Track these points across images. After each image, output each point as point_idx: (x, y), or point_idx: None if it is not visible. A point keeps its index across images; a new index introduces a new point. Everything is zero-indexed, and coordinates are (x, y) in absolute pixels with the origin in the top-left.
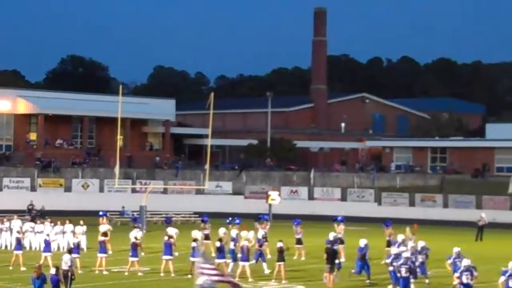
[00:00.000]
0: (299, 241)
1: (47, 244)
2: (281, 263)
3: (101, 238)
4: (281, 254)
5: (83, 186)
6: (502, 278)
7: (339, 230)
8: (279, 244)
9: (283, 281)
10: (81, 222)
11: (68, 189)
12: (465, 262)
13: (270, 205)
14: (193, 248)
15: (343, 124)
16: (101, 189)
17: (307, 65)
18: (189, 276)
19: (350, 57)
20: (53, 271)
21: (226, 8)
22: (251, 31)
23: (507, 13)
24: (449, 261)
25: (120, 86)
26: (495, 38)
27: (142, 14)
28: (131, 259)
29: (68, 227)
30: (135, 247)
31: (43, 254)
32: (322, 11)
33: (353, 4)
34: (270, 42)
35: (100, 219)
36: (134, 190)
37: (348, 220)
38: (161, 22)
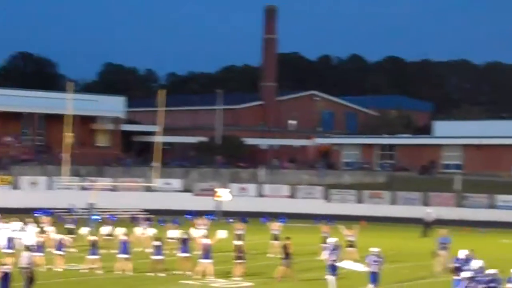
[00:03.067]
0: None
1: (9, 240)
2: (240, 261)
3: (59, 236)
4: (240, 253)
5: (31, 183)
6: (326, 253)
7: (274, 227)
8: (238, 243)
9: (237, 278)
10: (29, 220)
11: (16, 186)
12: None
13: (219, 202)
14: (156, 246)
15: (292, 122)
16: (50, 187)
17: (257, 63)
18: (152, 274)
19: (299, 55)
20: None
21: (176, 5)
22: (201, 29)
23: (454, 11)
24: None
25: (70, 83)
26: (443, 36)
27: (91, 10)
28: (90, 257)
29: (16, 225)
30: (95, 245)
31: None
32: (273, 8)
33: (304, 2)
34: (220, 40)
35: (44, 218)
36: (82, 188)
37: (297, 217)
38: (110, 19)
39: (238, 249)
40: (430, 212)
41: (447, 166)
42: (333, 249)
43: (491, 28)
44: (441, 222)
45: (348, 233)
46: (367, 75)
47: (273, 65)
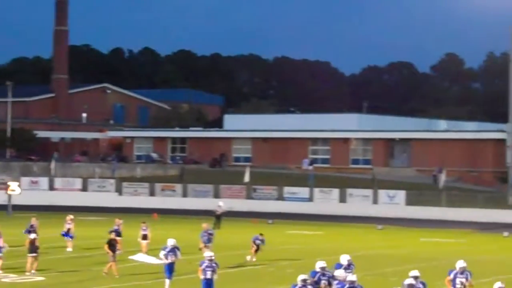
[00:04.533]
0: (145, 237)
1: None
2: (33, 254)
3: None
4: (33, 246)
5: None
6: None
7: (117, 223)
8: (32, 236)
9: (31, 272)
10: None
11: None
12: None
13: (9, 196)
14: None
15: (84, 115)
16: None
17: (48, 55)
18: None
19: (91, 48)
20: None
21: None
22: None
23: (243, 7)
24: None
25: None
26: (232, 31)
27: None
28: None
29: None
30: None
31: None
32: (64, 0)
33: None
34: (10, 31)
35: None
36: None
37: (89, 210)
38: None
39: (32, 243)
40: (221, 205)
41: (237, 159)
42: (170, 251)
43: (279, 23)
44: (232, 214)
45: (144, 226)
46: (159, 68)
47: (64, 57)
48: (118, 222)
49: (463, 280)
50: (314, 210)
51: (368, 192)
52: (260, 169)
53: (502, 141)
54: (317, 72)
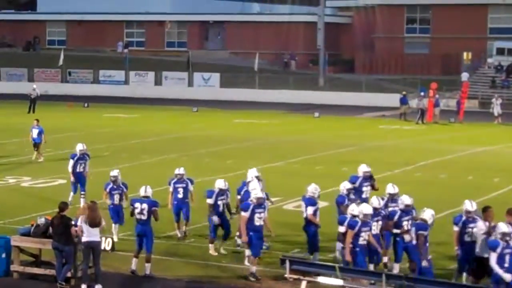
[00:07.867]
0: None
1: None
2: None
3: None
4: None
5: None
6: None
7: None
8: None
9: None
10: None
11: None
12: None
13: None
14: None
15: None
16: None
17: None
18: None
19: None
20: None
21: None
22: None
23: None
24: None
25: None
26: None
27: None
28: None
29: None
30: None
31: None
32: None
33: None
34: None
35: None
36: None
37: None
38: None
39: None
40: (35, 88)
41: (52, 42)
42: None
43: None
44: (47, 98)
45: None
46: None
47: None
48: None
49: None
50: (130, 93)
51: (183, 75)
52: (75, 53)
53: (313, 24)
54: None
